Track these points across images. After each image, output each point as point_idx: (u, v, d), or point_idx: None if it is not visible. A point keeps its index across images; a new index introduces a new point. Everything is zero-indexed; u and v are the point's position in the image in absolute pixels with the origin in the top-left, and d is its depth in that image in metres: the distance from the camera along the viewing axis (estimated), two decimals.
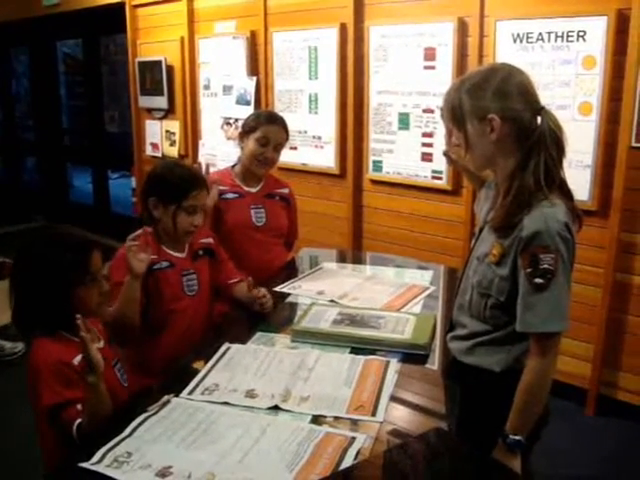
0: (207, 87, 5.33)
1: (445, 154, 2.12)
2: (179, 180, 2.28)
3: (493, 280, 1.71)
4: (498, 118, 1.65)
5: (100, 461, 1.47)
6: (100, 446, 1.52)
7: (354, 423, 1.66)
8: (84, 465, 1.45)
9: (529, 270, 1.60)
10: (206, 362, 2.00)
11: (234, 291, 2.54)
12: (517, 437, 1.63)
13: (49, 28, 7.54)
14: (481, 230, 1.85)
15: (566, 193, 1.69)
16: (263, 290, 2.42)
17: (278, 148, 2.84)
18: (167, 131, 5.79)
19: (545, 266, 1.58)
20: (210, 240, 2.52)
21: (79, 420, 1.62)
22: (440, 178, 3.94)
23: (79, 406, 1.63)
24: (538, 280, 1.59)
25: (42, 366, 1.68)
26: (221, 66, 5.14)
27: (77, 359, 1.66)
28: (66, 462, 1.56)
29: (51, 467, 1.75)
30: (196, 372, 1.93)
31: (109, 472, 1.43)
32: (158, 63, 5.64)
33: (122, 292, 2.12)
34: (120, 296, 2.12)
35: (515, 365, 1.71)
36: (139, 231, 2.15)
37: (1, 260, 3.28)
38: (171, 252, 2.33)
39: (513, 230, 1.64)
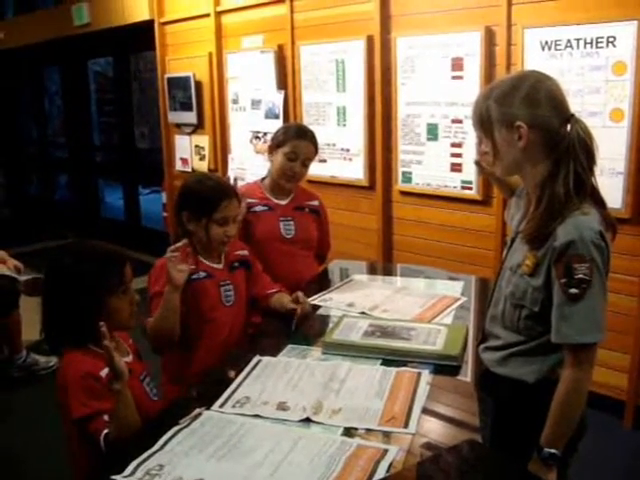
0: (235, 101, 5.38)
1: (477, 163, 2.10)
2: (208, 193, 2.29)
3: (527, 291, 1.68)
4: (526, 126, 1.64)
5: (132, 474, 1.47)
6: (132, 459, 1.52)
7: (386, 435, 1.64)
8: (116, 478, 1.45)
9: (564, 280, 1.57)
10: (237, 375, 1.99)
11: (271, 301, 2.54)
12: (552, 450, 1.60)
13: (80, 47, 7.68)
14: (513, 240, 1.82)
15: (599, 201, 1.66)
16: (302, 296, 2.48)
17: (306, 163, 2.84)
18: (196, 146, 5.84)
19: (580, 276, 1.55)
20: (245, 252, 2.53)
21: (106, 430, 1.63)
22: (470, 188, 3.91)
23: (106, 417, 1.64)
24: (573, 290, 1.56)
25: (70, 379, 1.69)
26: (249, 80, 5.17)
27: (105, 371, 1.67)
28: (98, 475, 1.56)
29: None
30: (227, 385, 1.92)
31: None
32: (187, 79, 5.70)
33: (162, 302, 2.13)
34: (160, 306, 2.14)
35: (550, 376, 1.68)
36: (180, 242, 2.16)
37: (35, 276, 3.31)
38: (209, 263, 2.35)
39: (546, 240, 1.62)
